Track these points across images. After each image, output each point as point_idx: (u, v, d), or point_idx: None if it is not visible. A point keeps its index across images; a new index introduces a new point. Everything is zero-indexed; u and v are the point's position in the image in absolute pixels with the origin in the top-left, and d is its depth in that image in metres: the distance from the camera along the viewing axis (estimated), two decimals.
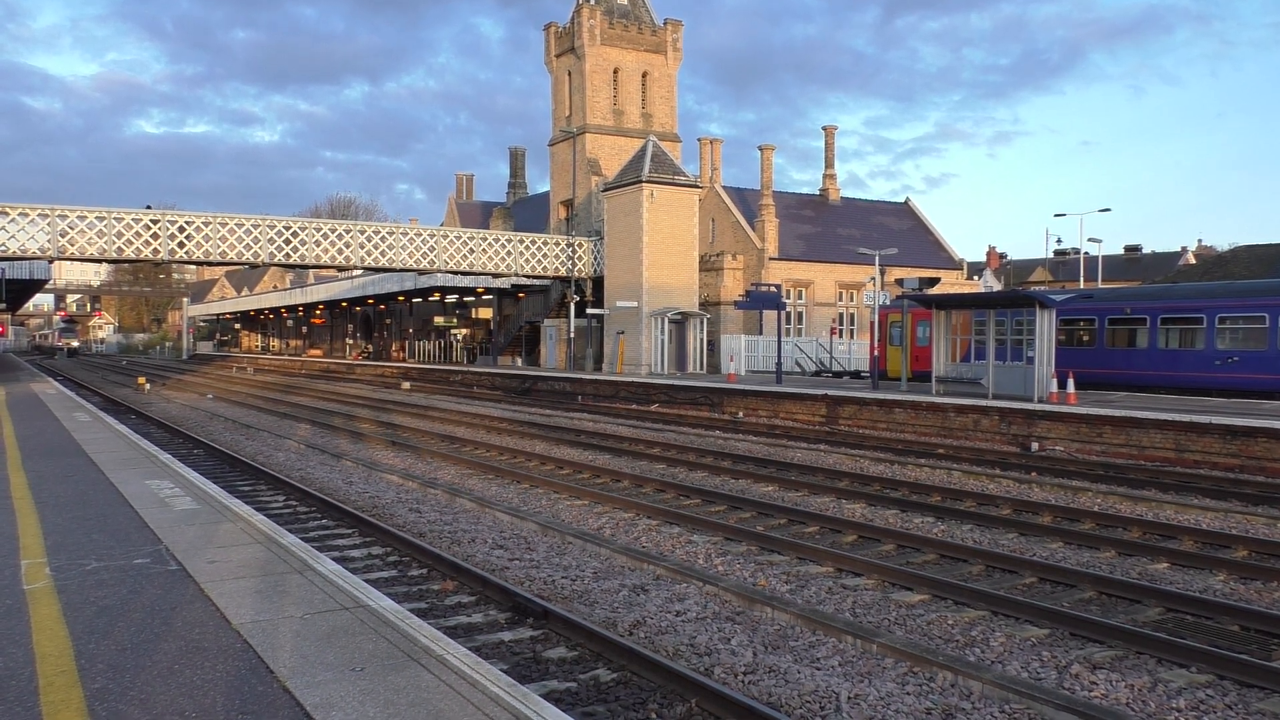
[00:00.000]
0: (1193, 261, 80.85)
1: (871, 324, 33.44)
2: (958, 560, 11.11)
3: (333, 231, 41.54)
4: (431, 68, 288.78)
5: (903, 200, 59.44)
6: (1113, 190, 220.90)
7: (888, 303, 36.50)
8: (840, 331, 50.31)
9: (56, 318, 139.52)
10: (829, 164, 56.35)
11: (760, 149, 49.43)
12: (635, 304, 42.02)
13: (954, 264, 54.86)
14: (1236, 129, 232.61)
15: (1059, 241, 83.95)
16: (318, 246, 40.71)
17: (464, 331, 66.05)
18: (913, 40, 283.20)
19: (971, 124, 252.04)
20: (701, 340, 43.11)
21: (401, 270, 45.15)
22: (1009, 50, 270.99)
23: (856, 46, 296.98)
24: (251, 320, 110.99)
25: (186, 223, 38.63)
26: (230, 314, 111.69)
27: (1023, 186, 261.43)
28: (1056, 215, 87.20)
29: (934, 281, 30.95)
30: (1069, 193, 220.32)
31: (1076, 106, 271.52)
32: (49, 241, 36.31)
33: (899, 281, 33.67)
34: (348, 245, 41.34)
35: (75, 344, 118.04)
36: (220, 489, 11.88)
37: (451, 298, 62.39)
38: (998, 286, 72.51)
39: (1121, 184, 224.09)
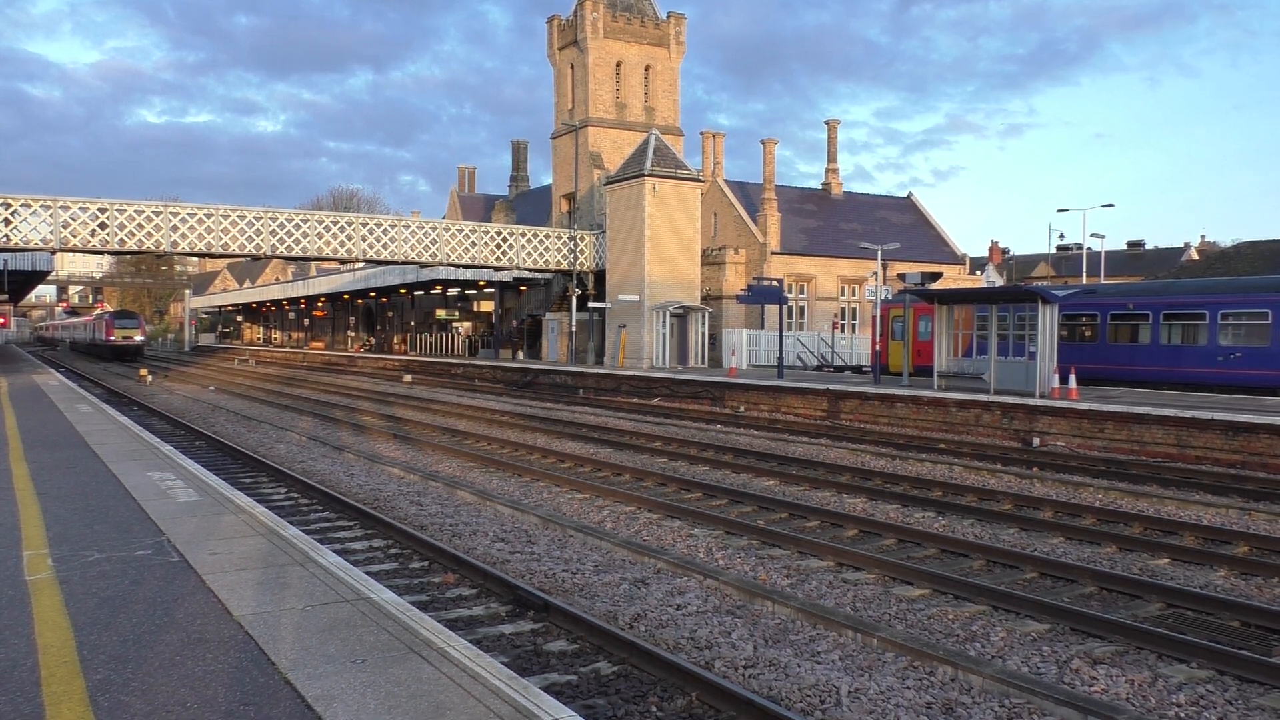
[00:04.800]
0: (1195, 257, 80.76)
1: (873, 318, 33.41)
2: (959, 555, 11.12)
3: (335, 224, 41.54)
4: (437, 56, 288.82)
5: (906, 194, 59.41)
6: (1121, 184, 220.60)
7: (890, 297, 36.48)
8: (842, 326, 50.28)
9: (59, 309, 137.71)
10: (831, 158, 56.29)
11: (763, 143, 49.36)
12: (637, 298, 42.01)
13: (956, 259, 54.79)
14: (1250, 123, 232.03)
15: (1062, 237, 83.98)
16: (319, 239, 40.73)
17: (466, 325, 66.06)
18: (928, 29, 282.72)
19: (983, 116, 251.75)
20: (703, 334, 43.09)
21: (403, 263, 45.18)
22: (1026, 39, 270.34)
23: (870, 35, 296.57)
24: (253, 312, 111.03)
25: (189, 214, 38.65)
26: (232, 306, 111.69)
27: (1029, 181, 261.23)
28: (1059, 210, 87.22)
29: (936, 276, 30.93)
30: (1076, 187, 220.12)
31: (1092, 98, 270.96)
32: (51, 233, 36.33)
33: (901, 276, 33.63)
34: (349, 238, 41.34)
35: (139, 338, 73.68)
36: (222, 481, 11.89)
37: (453, 291, 62.40)
38: (1000, 282, 72.42)
39: (1130, 178, 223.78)
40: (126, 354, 71.02)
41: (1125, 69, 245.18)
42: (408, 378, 48.19)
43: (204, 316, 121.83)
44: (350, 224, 41.87)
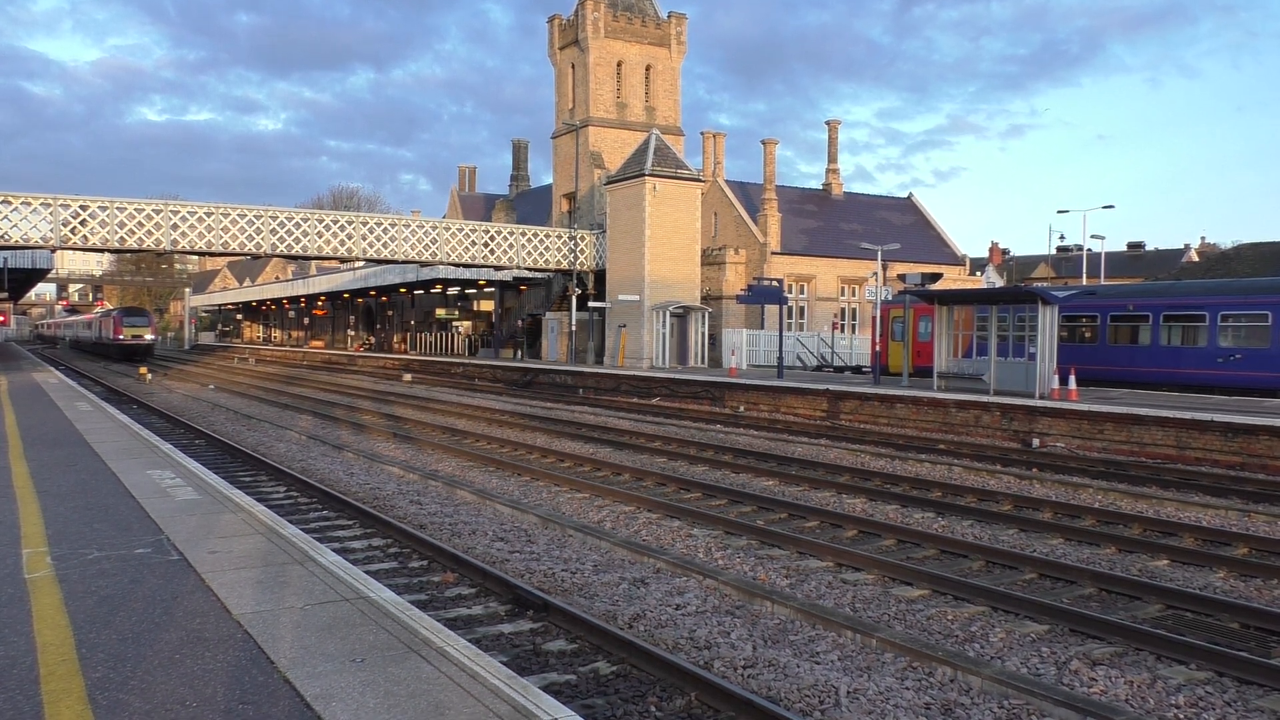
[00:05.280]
0: (1195, 259, 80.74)
1: (873, 319, 33.40)
2: (958, 555, 11.12)
3: (335, 223, 41.54)
4: (439, 54, 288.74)
5: (906, 195, 59.43)
6: (1121, 185, 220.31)
7: (890, 298, 36.48)
8: (842, 326, 50.28)
9: (59, 307, 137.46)
10: (832, 158, 56.32)
11: (763, 143, 49.36)
12: (637, 297, 42.01)
13: (956, 259, 54.80)
14: (1251, 124, 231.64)
15: (1062, 238, 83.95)
16: (320, 238, 40.73)
17: (466, 324, 66.05)
18: (930, 29, 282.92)
19: (985, 116, 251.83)
20: (703, 334, 43.09)
21: (403, 262, 45.17)
22: (1028, 40, 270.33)
23: (872, 35, 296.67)
24: (254, 311, 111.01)
25: (189, 213, 38.66)
26: (232, 304, 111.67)
27: (1030, 181, 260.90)
28: (1060, 211, 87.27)
29: (936, 277, 30.92)
30: (1077, 188, 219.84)
31: (1093, 99, 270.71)
32: (51, 231, 36.33)
33: (901, 277, 33.63)
34: (350, 237, 41.34)
35: (150, 336, 68.76)
36: (221, 479, 11.89)
37: (453, 290, 62.37)
38: (1000, 282, 72.41)
39: (1131, 179, 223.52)
40: (136, 354, 65.36)
41: (1127, 70, 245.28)
42: (407, 377, 48.18)
43: (204, 315, 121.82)
44: (350, 223, 41.87)
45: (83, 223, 36.85)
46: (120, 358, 64.88)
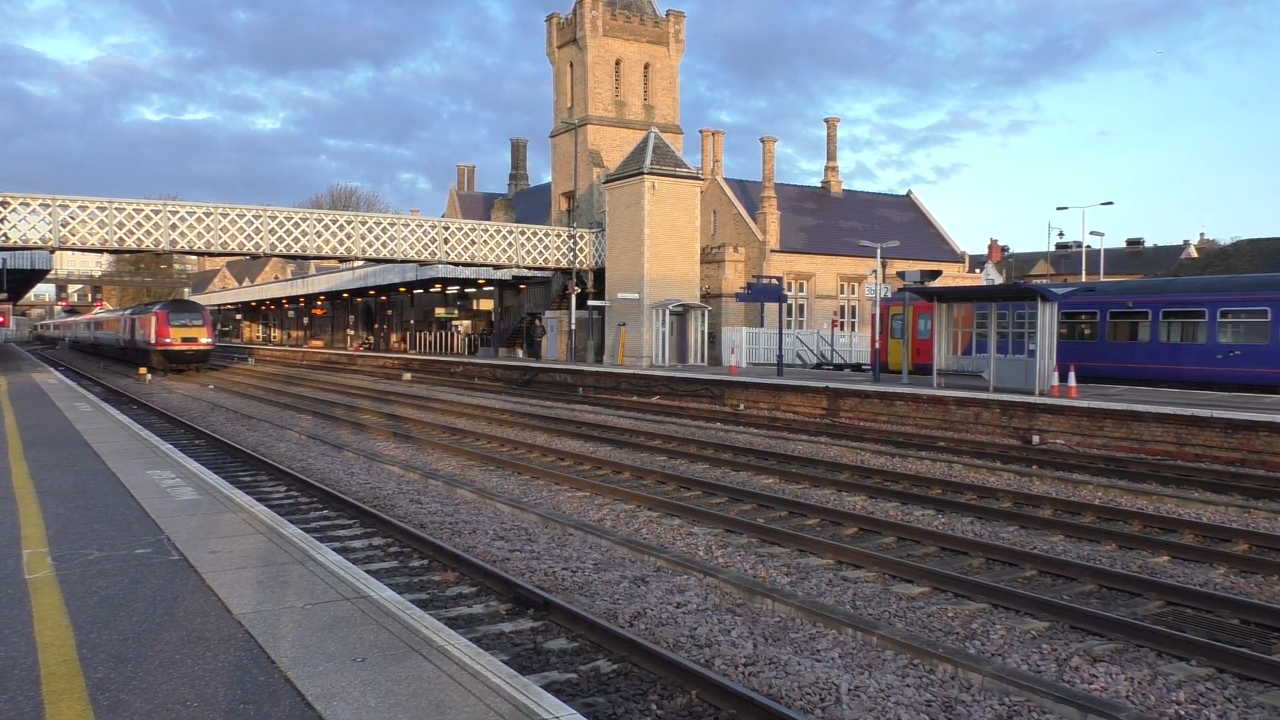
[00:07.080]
0: (1195, 255, 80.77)
1: (873, 316, 33.41)
2: (958, 553, 11.12)
3: (334, 222, 41.53)
4: (438, 52, 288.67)
5: (905, 193, 59.43)
6: (1122, 182, 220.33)
7: (889, 295, 36.46)
8: (841, 324, 50.29)
9: (58, 308, 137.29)
10: (831, 156, 56.33)
11: (762, 141, 49.39)
12: (636, 296, 42.00)
13: (955, 257, 54.82)
14: (1253, 120, 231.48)
15: (1061, 235, 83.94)
16: (319, 238, 40.73)
17: (465, 323, 66.04)
18: (933, 25, 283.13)
19: (986, 113, 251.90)
20: (702, 332, 43.10)
21: (402, 261, 45.18)
22: (1032, 35, 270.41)
23: (874, 32, 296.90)
24: (253, 311, 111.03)
25: (188, 213, 38.65)
26: (231, 304, 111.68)
27: (1031, 178, 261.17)
28: (1059, 208, 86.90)
29: (935, 274, 30.93)
30: (1078, 185, 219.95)
31: (1096, 95, 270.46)
32: (50, 231, 36.31)
33: (900, 274, 33.63)
34: (349, 236, 41.33)
35: (207, 340, 48.93)
36: (222, 479, 11.89)
37: (453, 289, 62.36)
38: (999, 279, 72.42)
39: (1131, 176, 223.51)
40: (187, 364, 48.15)
41: (1131, 65, 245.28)
42: (407, 376, 48.17)
43: None
44: (349, 223, 41.85)
45: (81, 223, 36.84)
46: (164, 366, 47.59)
